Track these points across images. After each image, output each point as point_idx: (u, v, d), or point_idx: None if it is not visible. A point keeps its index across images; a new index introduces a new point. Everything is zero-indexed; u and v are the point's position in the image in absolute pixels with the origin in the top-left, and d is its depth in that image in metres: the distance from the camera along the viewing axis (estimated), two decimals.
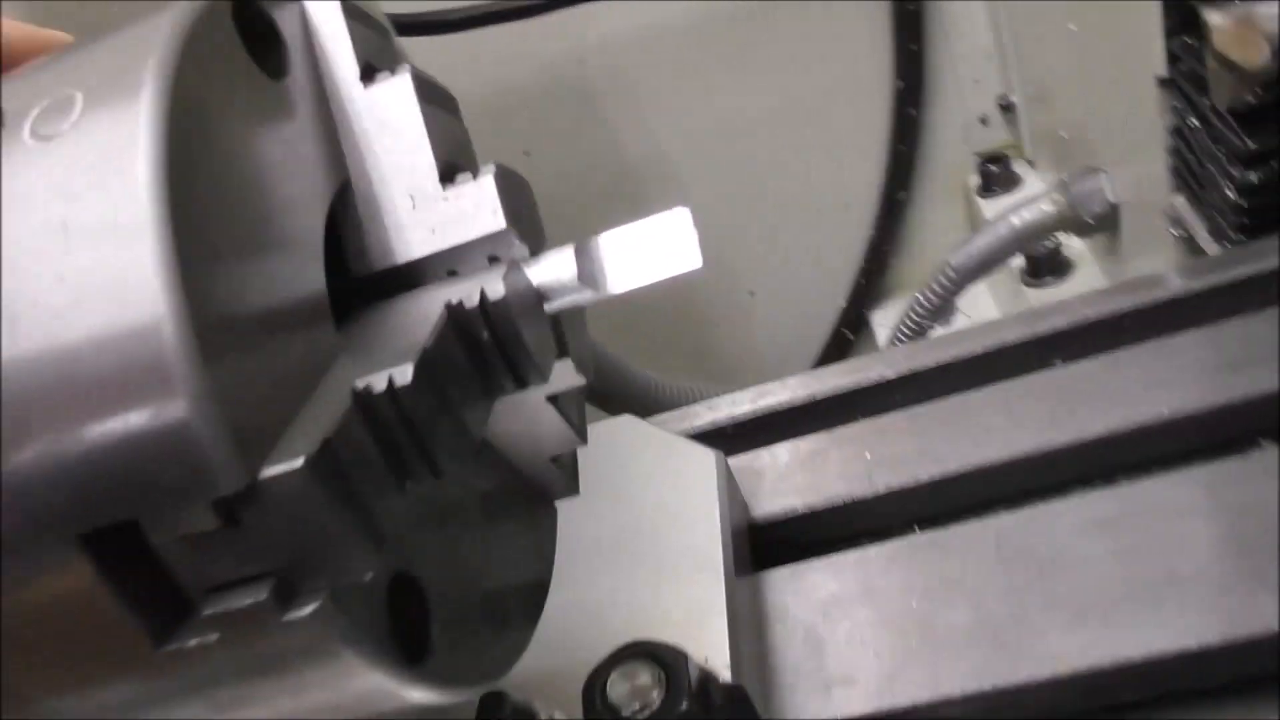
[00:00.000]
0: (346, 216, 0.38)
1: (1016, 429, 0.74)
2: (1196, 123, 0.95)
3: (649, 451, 0.75)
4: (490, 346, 0.34)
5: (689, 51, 1.61)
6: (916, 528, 0.74)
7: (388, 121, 0.38)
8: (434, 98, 0.39)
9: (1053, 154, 1.57)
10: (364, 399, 0.30)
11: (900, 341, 1.44)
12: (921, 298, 1.39)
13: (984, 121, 1.70)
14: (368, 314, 0.36)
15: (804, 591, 0.70)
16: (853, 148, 1.68)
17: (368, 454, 0.30)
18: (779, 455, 0.80)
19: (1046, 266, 1.46)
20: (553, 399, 0.42)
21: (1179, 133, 0.99)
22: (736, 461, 0.81)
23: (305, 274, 0.33)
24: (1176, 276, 0.81)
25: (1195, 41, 0.91)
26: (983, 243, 1.32)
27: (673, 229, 0.37)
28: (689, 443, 0.74)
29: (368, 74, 0.38)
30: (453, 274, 0.38)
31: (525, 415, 0.42)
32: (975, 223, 1.69)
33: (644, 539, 0.68)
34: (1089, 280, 1.42)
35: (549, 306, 0.38)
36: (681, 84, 1.63)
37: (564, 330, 0.40)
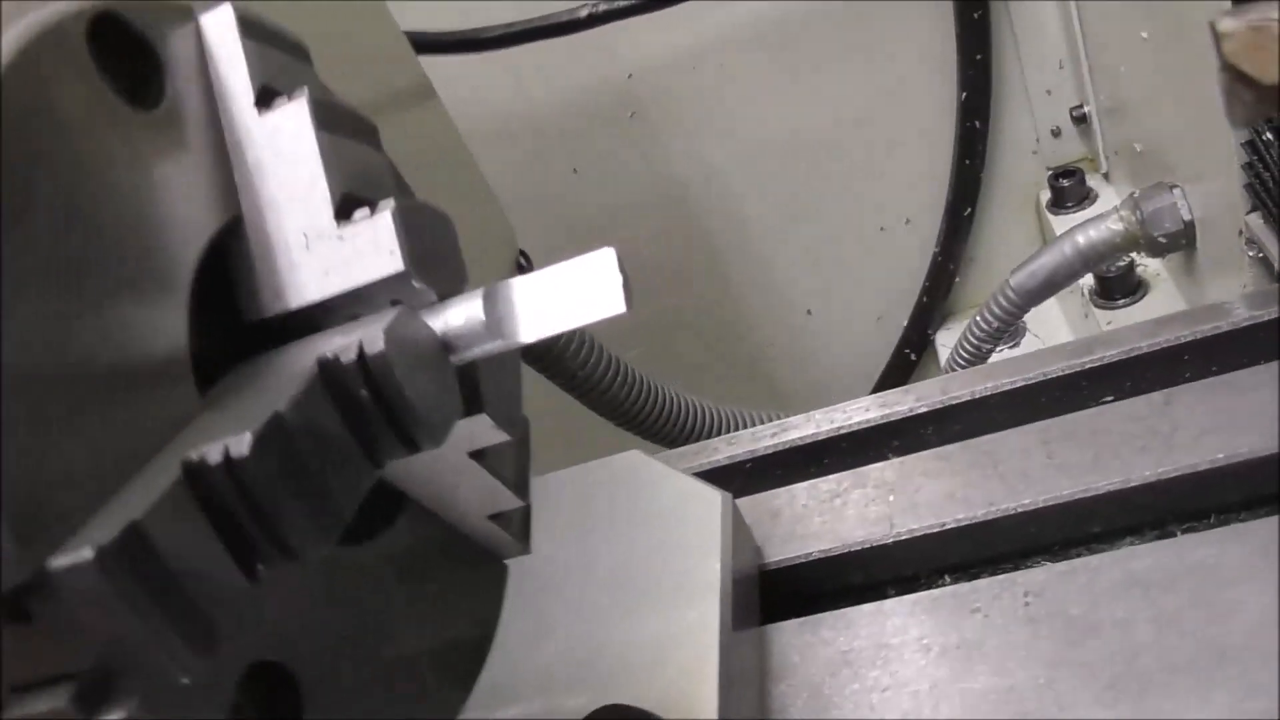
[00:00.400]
0: (239, 256, 0.34)
1: (1055, 473, 0.68)
2: (1271, 136, 0.87)
3: (653, 491, 0.70)
4: (370, 406, 0.30)
5: (738, 65, 1.56)
6: (946, 579, 0.69)
7: (283, 151, 0.34)
8: (341, 125, 0.35)
9: (1129, 168, 1.48)
10: (195, 472, 0.26)
11: (958, 364, 1.37)
12: (980, 319, 1.32)
13: (1056, 134, 1.62)
14: (244, 369, 0.32)
15: (813, 647, 0.65)
16: (915, 162, 1.62)
17: (196, 537, 0.26)
18: (797, 496, 0.75)
19: (1119, 287, 1.37)
20: (477, 456, 0.38)
21: (1253, 146, 0.91)
22: (752, 501, 0.76)
23: (161, 325, 0.30)
24: (1242, 305, 0.73)
25: None
26: (1046, 261, 1.24)
27: (595, 271, 0.33)
28: (695, 482, 0.70)
29: (265, 99, 0.35)
30: (355, 319, 0.34)
31: (449, 474, 0.38)
32: (1047, 240, 1.61)
33: (639, 586, 0.64)
34: (1164, 302, 1.33)
35: (454, 358, 0.34)
36: (731, 98, 1.59)
37: (482, 382, 0.36)
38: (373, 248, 0.33)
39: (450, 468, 0.38)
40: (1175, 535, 0.64)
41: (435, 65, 1.16)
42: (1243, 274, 1.04)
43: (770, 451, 0.80)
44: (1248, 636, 0.53)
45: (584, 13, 1.27)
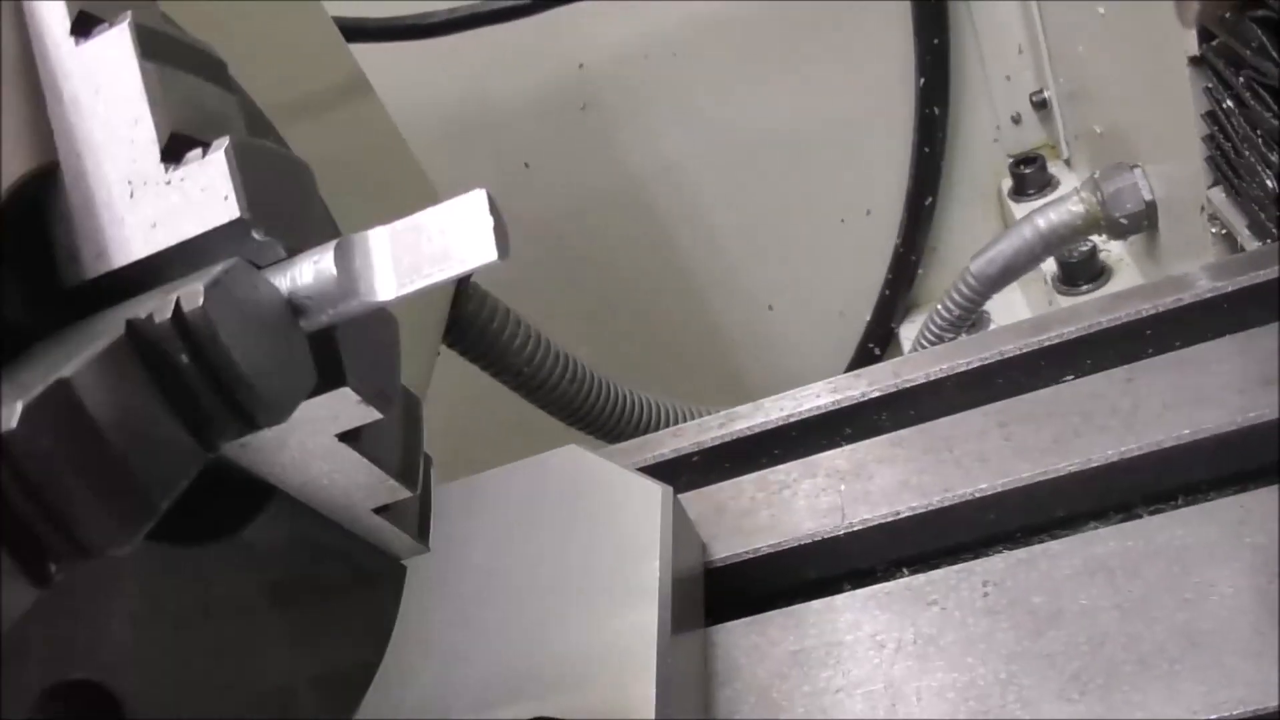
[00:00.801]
0: (54, 210, 0.30)
1: (1014, 456, 0.64)
2: (1231, 104, 0.84)
3: (591, 486, 0.66)
4: (192, 374, 0.26)
5: (693, 55, 1.52)
6: (904, 571, 0.65)
7: (103, 86, 0.30)
8: (174, 56, 0.31)
9: (1090, 152, 1.46)
10: None
11: None
12: (941, 308, 1.29)
13: (1016, 120, 1.59)
14: (49, 340, 0.28)
15: (761, 648, 0.60)
16: (874, 151, 1.59)
17: None
18: (744, 488, 0.71)
19: (1082, 272, 1.34)
20: (350, 438, 0.33)
21: (1213, 117, 0.88)
22: (697, 495, 0.72)
23: None
24: (1205, 277, 0.70)
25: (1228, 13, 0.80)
26: (1005, 247, 1.21)
27: (464, 216, 0.28)
28: (635, 476, 0.66)
29: (82, 26, 0.30)
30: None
31: (319, 460, 0.33)
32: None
33: (575, 590, 0.60)
34: (1128, 286, 1.30)
35: (305, 323, 0.29)
36: (687, 89, 1.55)
37: (344, 350, 0.31)
38: (205, 193, 0.28)
39: (318, 452, 0.33)
40: (1141, 517, 0.60)
41: (369, 55, 1.12)
42: (1206, 253, 1.01)
43: (717, 443, 0.76)
44: (1219, 621, 0.50)
45: None
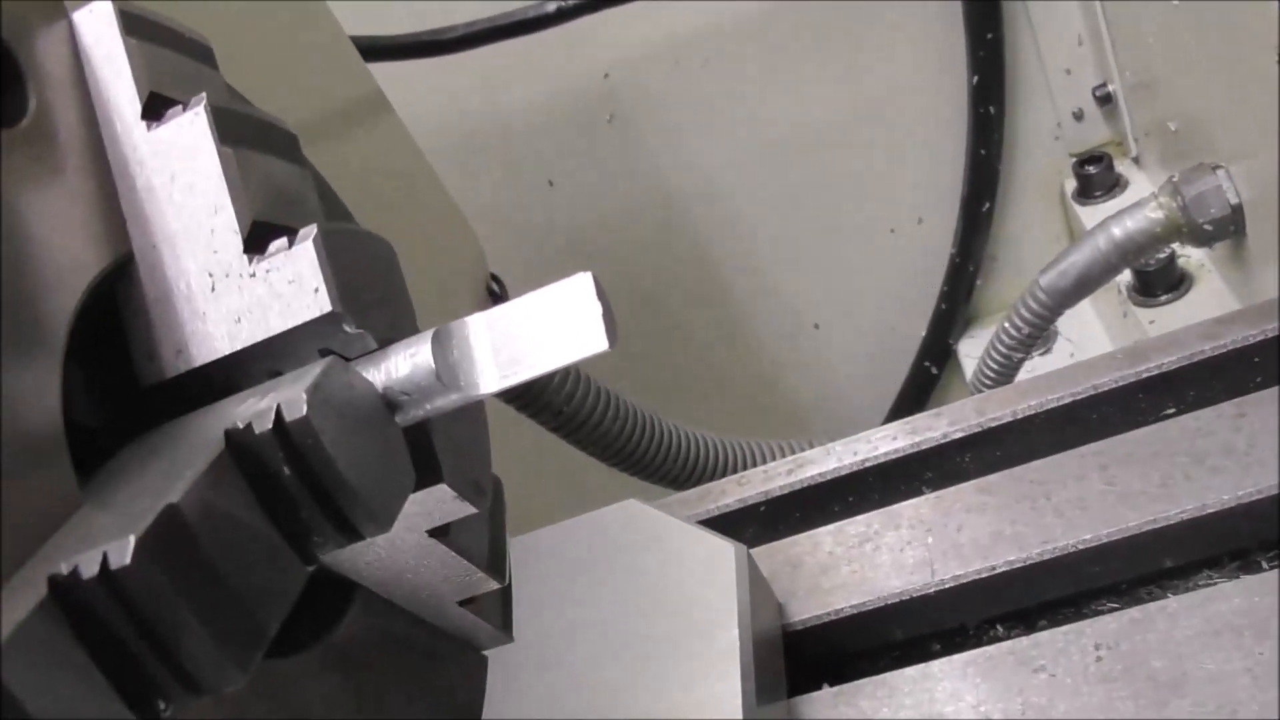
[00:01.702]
0: (130, 305, 0.30)
1: (1118, 502, 0.64)
2: None
3: (655, 545, 0.66)
4: (295, 487, 0.26)
5: (726, 58, 1.53)
6: (999, 630, 0.64)
7: (178, 172, 0.30)
8: (250, 137, 0.31)
9: (1162, 150, 1.45)
10: (65, 590, 0.22)
11: (985, 378, 1.33)
12: (1008, 325, 1.28)
13: (1079, 116, 1.59)
14: (137, 447, 0.28)
15: None
16: (925, 155, 1.59)
17: (74, 673, 0.22)
18: (821, 542, 0.71)
19: (1160, 281, 1.33)
20: (439, 533, 0.33)
21: None
22: (769, 551, 0.72)
23: (29, 391, 0.26)
24: None
25: None
26: (1078, 258, 1.20)
27: (569, 302, 0.29)
28: (704, 533, 0.66)
29: (155, 109, 0.30)
30: (275, 375, 0.30)
31: (407, 557, 0.34)
32: (1073, 233, 1.58)
33: (646, 658, 0.60)
34: (1210, 296, 1.30)
35: (401, 418, 0.29)
36: (720, 95, 1.55)
37: (437, 443, 0.31)
38: (293, 286, 0.29)
39: (408, 550, 0.33)
40: (1262, 569, 0.59)
41: (388, 73, 1.13)
42: None
43: (786, 491, 0.76)
44: None
45: (552, 7, 1.23)
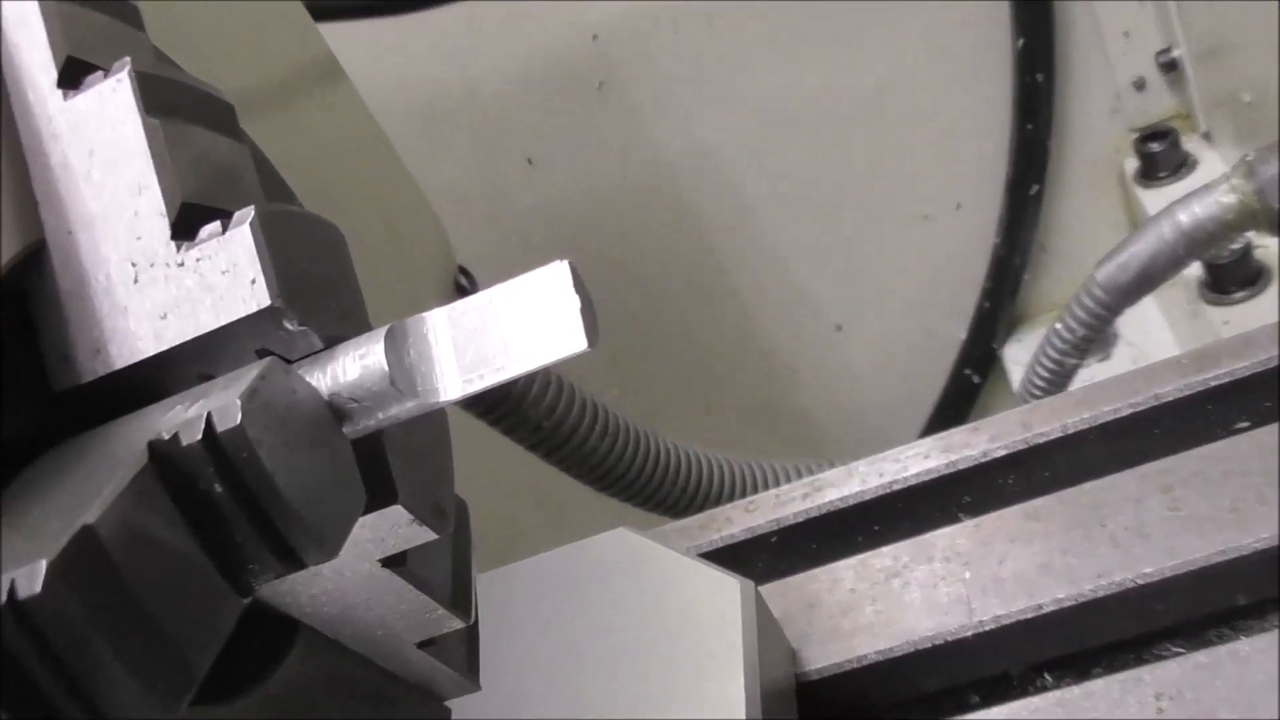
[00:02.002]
0: (42, 299, 0.31)
1: (1184, 529, 0.64)
2: None
3: (649, 581, 0.67)
4: (228, 506, 0.26)
5: (736, 20, 1.54)
6: (1047, 678, 0.65)
7: (99, 148, 0.30)
8: (181, 107, 0.31)
9: (1236, 125, 1.46)
10: None
11: (1035, 388, 1.34)
12: (1060, 327, 1.29)
13: (1139, 86, 1.60)
14: (46, 462, 0.28)
15: None
16: (964, 131, 1.60)
17: None
18: (841, 577, 0.71)
19: (1233, 276, 1.35)
20: (393, 562, 0.34)
21: None
22: (781, 587, 0.73)
23: None
24: None
25: None
26: (1140, 249, 1.21)
27: (543, 295, 0.29)
28: (705, 567, 0.66)
29: (72, 76, 0.31)
30: (207, 379, 0.30)
31: (356, 590, 0.34)
32: (1135, 220, 1.59)
33: (636, 712, 0.61)
34: None
35: (349, 429, 0.30)
36: (727, 61, 1.56)
37: (392, 459, 0.32)
38: (227, 277, 0.29)
39: (358, 581, 0.34)
40: None
41: (342, 36, 1.13)
42: None
43: (802, 519, 0.76)
44: None
45: None
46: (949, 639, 0.65)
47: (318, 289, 0.31)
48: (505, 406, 1.07)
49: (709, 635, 0.62)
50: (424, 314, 0.30)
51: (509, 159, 1.61)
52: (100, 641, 0.24)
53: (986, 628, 0.65)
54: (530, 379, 1.07)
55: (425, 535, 0.33)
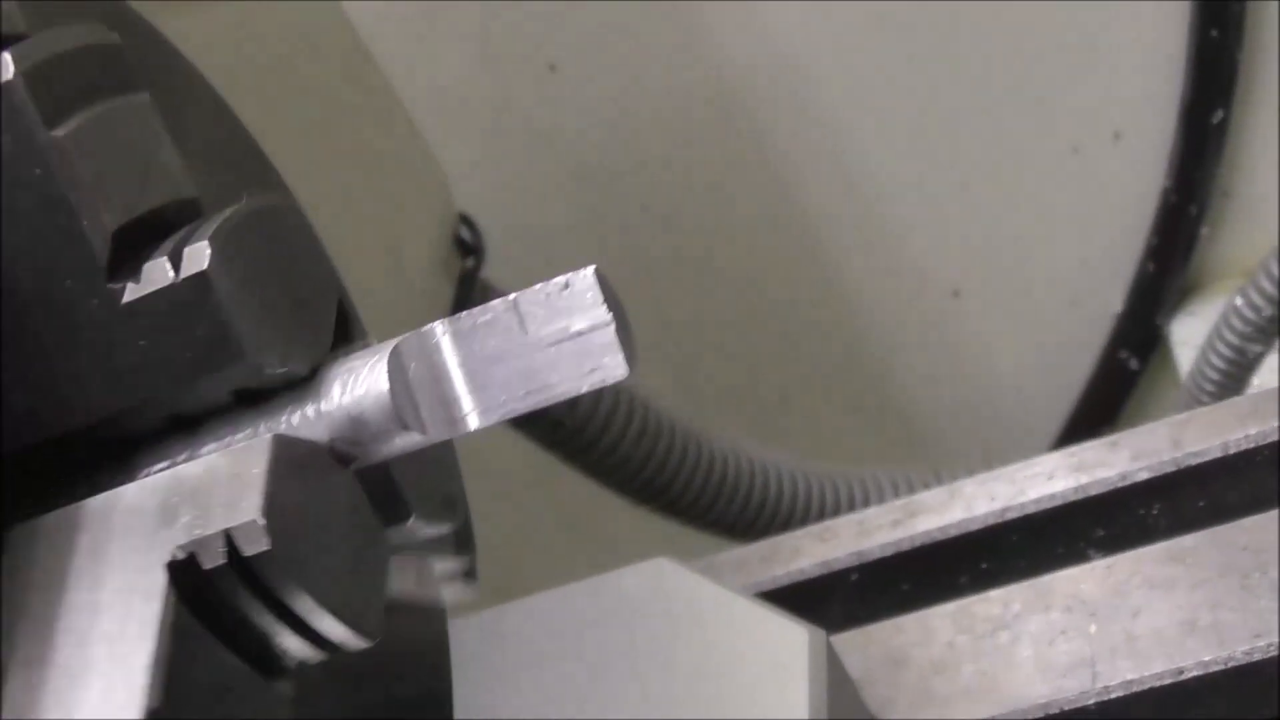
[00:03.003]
0: None
1: None
2: None
3: (694, 625, 0.72)
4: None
5: None
6: None
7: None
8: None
9: None
10: None
11: (1207, 381, 1.37)
12: (1243, 303, 1.32)
13: None
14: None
15: None
16: (1125, 40, 1.61)
17: None
18: (936, 628, 0.76)
19: None
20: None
21: None
22: (862, 637, 0.77)
23: None
24: None
25: None
26: None
27: (569, 310, 0.34)
28: (766, 611, 0.71)
29: None
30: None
31: None
32: None
33: None
34: None
35: (358, 465, 0.35)
36: None
37: (399, 474, 0.38)
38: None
39: None
40: None
41: None
42: None
43: (890, 552, 0.81)
44: None
45: None
46: (1066, 709, 0.70)
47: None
48: None
49: (767, 696, 0.67)
50: (431, 327, 0.35)
51: (525, 65, 1.64)
52: None
53: (1114, 694, 0.69)
54: None
55: (438, 530, 0.39)
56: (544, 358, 0.35)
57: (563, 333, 0.34)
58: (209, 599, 0.33)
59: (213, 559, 0.33)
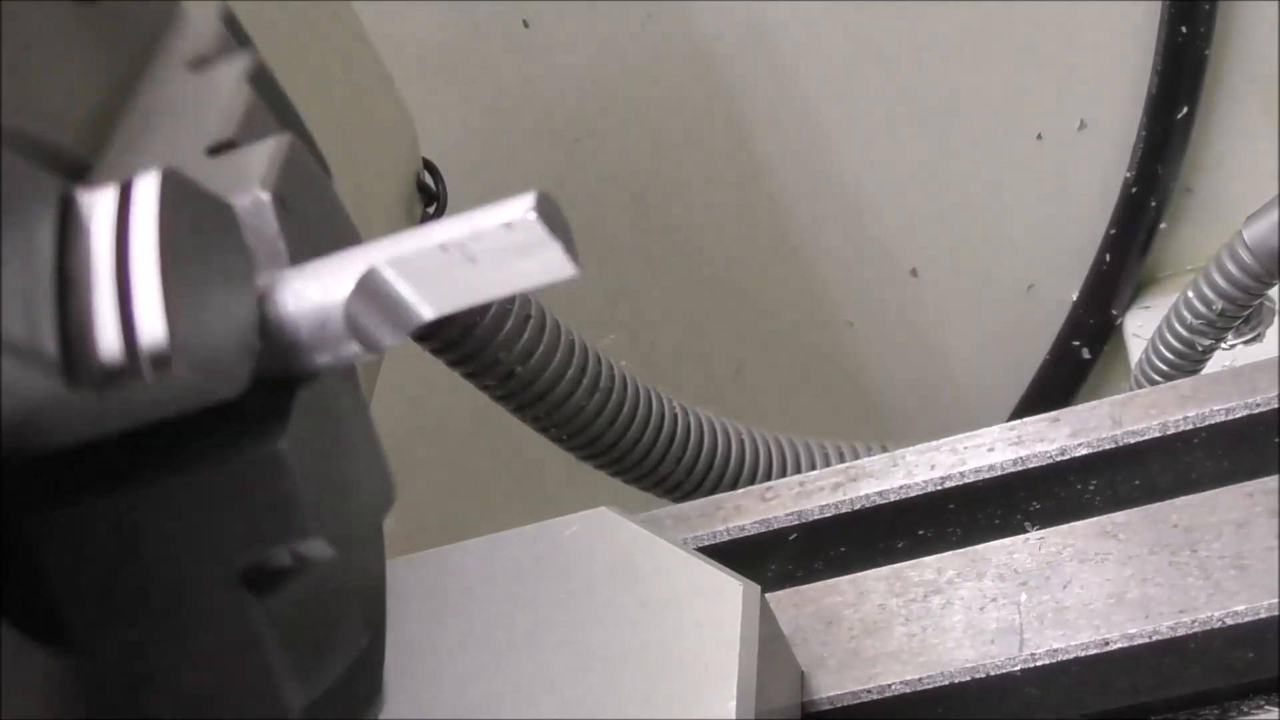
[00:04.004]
0: None
1: None
2: None
3: (633, 575, 0.73)
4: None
5: None
6: None
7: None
8: None
9: None
10: None
11: (1155, 370, 1.38)
12: (1193, 296, 1.33)
13: None
14: None
15: None
16: (1097, 29, 1.61)
17: None
18: (870, 589, 0.77)
19: None
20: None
21: None
22: (795, 596, 0.78)
23: None
24: None
25: None
26: None
27: (515, 235, 0.35)
28: (703, 564, 0.72)
29: None
30: None
31: None
32: None
33: None
34: None
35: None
36: None
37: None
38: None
39: None
40: None
41: None
42: None
43: (829, 515, 0.82)
44: None
45: None
46: (992, 673, 0.71)
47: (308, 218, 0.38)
48: (469, 344, 1.11)
49: (699, 646, 0.67)
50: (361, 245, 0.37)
51: (499, 20, 1.64)
52: None
53: (1039, 663, 0.70)
54: (504, 311, 1.11)
55: None
56: (488, 261, 0.36)
57: (508, 249, 0.35)
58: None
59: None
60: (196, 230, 0.36)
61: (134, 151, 0.43)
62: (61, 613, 0.38)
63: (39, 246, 0.33)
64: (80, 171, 0.42)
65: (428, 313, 0.37)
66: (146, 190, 0.34)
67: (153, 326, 0.33)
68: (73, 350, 0.33)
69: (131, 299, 0.33)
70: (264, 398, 0.38)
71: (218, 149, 0.41)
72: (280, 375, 0.38)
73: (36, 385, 0.33)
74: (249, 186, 0.39)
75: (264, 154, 0.40)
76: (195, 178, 0.37)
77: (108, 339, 0.33)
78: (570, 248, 0.36)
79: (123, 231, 0.34)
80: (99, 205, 0.34)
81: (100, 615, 0.38)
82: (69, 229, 0.34)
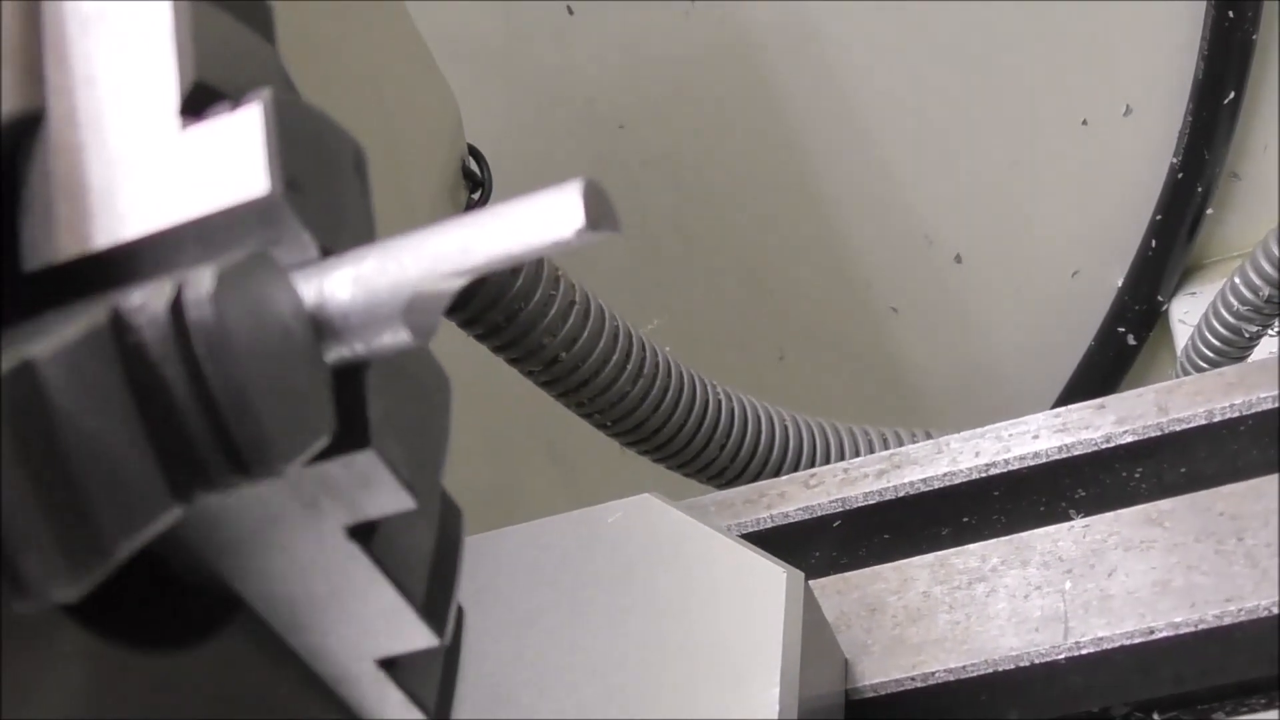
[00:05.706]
0: (29, 166, 0.37)
1: None
2: None
3: (676, 563, 0.73)
4: (181, 390, 0.33)
5: None
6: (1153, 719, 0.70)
7: (121, 15, 0.36)
8: None
9: None
10: None
11: (1200, 357, 1.38)
12: (1240, 282, 1.33)
13: None
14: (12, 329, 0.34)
15: None
16: (1141, 14, 1.60)
17: None
18: (914, 577, 0.77)
19: None
20: (361, 533, 0.39)
21: None
22: (839, 584, 0.78)
23: None
24: None
25: None
26: None
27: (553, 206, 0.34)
28: (747, 551, 0.72)
29: None
30: None
31: (311, 563, 0.39)
32: None
33: (650, 714, 0.66)
34: None
35: (328, 353, 0.36)
36: None
37: (372, 399, 0.38)
38: (229, 159, 0.35)
39: (311, 552, 0.39)
40: None
41: None
42: None
43: (874, 501, 0.82)
44: None
45: None
46: (1037, 661, 0.70)
47: (326, 198, 0.37)
48: (513, 330, 1.11)
49: (742, 633, 0.67)
50: (427, 228, 0.36)
51: (543, 8, 1.64)
52: (23, 487, 0.30)
53: (1084, 651, 0.70)
54: (548, 297, 1.11)
55: (403, 501, 0.38)
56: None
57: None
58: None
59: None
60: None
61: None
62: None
63: None
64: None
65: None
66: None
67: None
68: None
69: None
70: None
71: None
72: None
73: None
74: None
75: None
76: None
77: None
78: (613, 226, 0.35)
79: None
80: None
81: None
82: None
